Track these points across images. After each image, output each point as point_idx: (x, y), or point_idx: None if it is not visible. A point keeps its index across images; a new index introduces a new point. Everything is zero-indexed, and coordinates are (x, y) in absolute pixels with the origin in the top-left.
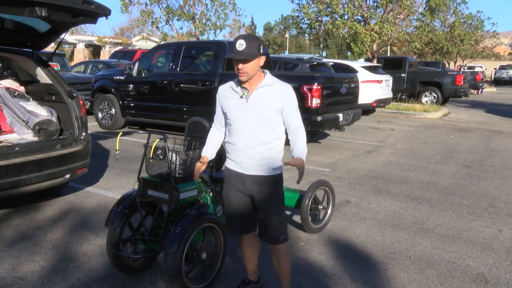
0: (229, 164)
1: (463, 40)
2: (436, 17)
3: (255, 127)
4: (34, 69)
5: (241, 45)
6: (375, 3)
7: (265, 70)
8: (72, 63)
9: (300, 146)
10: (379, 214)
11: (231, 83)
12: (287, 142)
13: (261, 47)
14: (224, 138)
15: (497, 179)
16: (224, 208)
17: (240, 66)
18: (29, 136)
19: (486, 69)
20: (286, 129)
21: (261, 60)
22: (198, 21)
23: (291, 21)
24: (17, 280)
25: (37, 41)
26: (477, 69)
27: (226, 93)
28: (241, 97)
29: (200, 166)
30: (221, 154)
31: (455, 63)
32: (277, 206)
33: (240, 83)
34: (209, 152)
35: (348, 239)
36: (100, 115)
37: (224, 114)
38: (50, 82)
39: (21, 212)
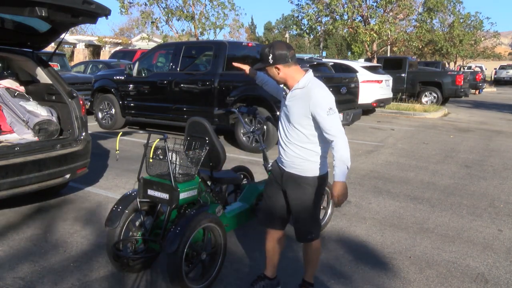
0: (277, 158)
1: (462, 40)
2: (435, 17)
3: (287, 127)
4: (34, 69)
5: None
6: (375, 3)
7: (308, 70)
8: (72, 63)
9: (336, 165)
10: (379, 214)
11: None
12: None
13: (270, 56)
14: None
15: (497, 179)
16: (263, 197)
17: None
18: (29, 136)
19: (486, 69)
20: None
21: (275, 69)
22: (197, 21)
23: (291, 21)
24: (17, 280)
25: (37, 41)
26: (476, 69)
27: (283, 90)
28: (284, 96)
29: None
30: (219, 155)
31: (455, 63)
32: (307, 208)
33: None
34: (261, 75)
35: (348, 239)
36: (100, 115)
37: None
38: (50, 82)
39: (21, 212)
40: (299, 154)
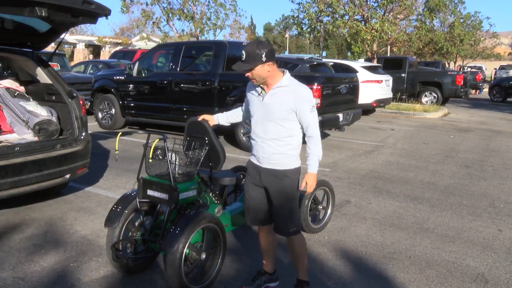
0: (251, 157)
1: (463, 40)
2: (435, 17)
3: (267, 124)
4: (34, 69)
5: (242, 55)
6: (376, 3)
7: (285, 71)
8: (72, 63)
9: (311, 158)
10: (379, 214)
11: None
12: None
13: (263, 54)
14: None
15: (497, 179)
16: (244, 199)
17: (247, 74)
18: (29, 136)
19: (486, 69)
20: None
21: (267, 67)
22: (198, 21)
23: (292, 21)
24: (17, 280)
25: (37, 41)
26: (472, 70)
27: (251, 89)
28: (259, 95)
29: (206, 117)
30: (219, 155)
31: (455, 63)
32: (288, 200)
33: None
34: (219, 115)
35: (348, 239)
36: (100, 115)
37: (247, 108)
38: (50, 82)
39: (21, 212)
40: (276, 149)
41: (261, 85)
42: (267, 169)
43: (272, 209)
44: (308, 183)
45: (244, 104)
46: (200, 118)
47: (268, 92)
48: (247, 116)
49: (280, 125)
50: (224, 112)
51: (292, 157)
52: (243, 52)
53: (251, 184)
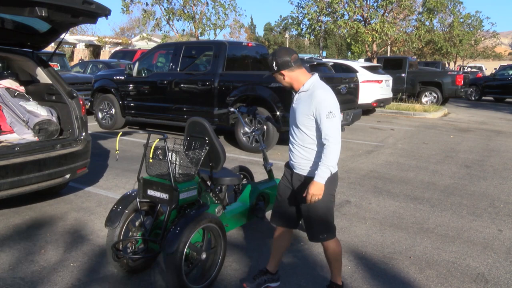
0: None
1: (462, 40)
2: (434, 17)
3: (293, 129)
4: (34, 69)
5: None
6: (376, 3)
7: (314, 74)
8: (72, 63)
9: (319, 167)
10: (379, 214)
11: None
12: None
13: (277, 63)
14: None
15: (497, 179)
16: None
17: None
18: (29, 136)
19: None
20: None
21: (279, 75)
22: (198, 21)
23: (291, 21)
24: (17, 280)
25: (37, 41)
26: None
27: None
28: (293, 100)
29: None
30: (219, 155)
31: (455, 63)
32: (316, 207)
33: None
34: None
35: (348, 239)
36: (100, 115)
37: None
38: (50, 82)
39: (21, 212)
40: (304, 155)
41: (293, 91)
42: (297, 174)
43: (303, 214)
44: (310, 192)
45: None
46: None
47: (295, 96)
48: None
49: (302, 131)
50: None
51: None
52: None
53: (284, 185)
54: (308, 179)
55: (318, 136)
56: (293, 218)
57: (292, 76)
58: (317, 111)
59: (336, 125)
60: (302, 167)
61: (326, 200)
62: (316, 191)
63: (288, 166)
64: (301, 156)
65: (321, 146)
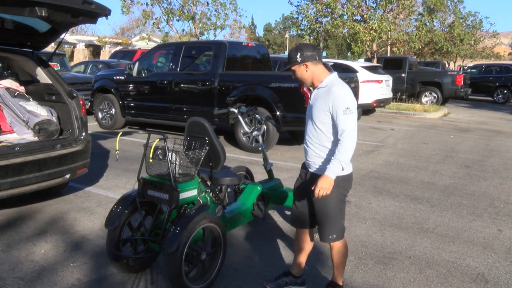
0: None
1: (463, 40)
2: (435, 18)
3: (309, 127)
4: (34, 69)
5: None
6: (375, 3)
7: (332, 72)
8: (72, 63)
9: (332, 162)
10: (379, 214)
11: None
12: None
13: (301, 54)
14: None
15: (497, 179)
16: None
17: (293, 76)
18: (29, 136)
19: None
20: None
21: (305, 67)
22: (198, 21)
23: (291, 22)
24: (17, 280)
25: (37, 41)
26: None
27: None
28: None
29: None
30: (219, 155)
31: (454, 63)
32: (329, 207)
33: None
34: None
35: (348, 239)
36: (100, 115)
37: None
38: (50, 82)
39: (21, 212)
40: (319, 154)
41: (311, 87)
42: (313, 174)
43: (316, 214)
44: (318, 185)
45: None
46: None
47: (313, 93)
48: None
49: (318, 127)
50: None
51: None
52: (288, 52)
53: (300, 186)
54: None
55: (334, 133)
56: (309, 219)
57: (314, 70)
58: (334, 107)
59: (353, 121)
60: (317, 166)
61: (338, 200)
62: (325, 184)
63: (304, 166)
64: (316, 155)
65: (335, 144)
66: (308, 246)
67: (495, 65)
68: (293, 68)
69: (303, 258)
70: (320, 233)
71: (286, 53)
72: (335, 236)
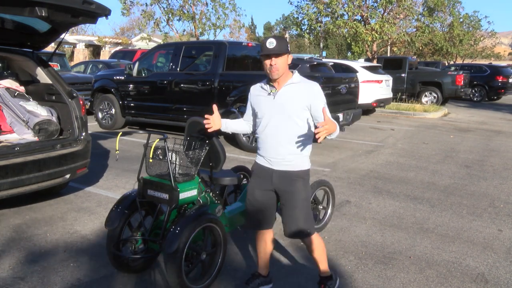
0: (258, 159)
1: (462, 40)
2: (436, 18)
3: (282, 123)
4: (34, 69)
5: (271, 43)
6: (375, 3)
7: (294, 70)
8: (72, 63)
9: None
10: (379, 214)
11: (261, 83)
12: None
13: (288, 45)
14: (256, 135)
15: (497, 179)
16: (246, 202)
17: (273, 62)
18: (29, 136)
19: None
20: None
21: (289, 58)
22: (198, 21)
23: (291, 21)
24: (17, 280)
25: (37, 41)
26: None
27: (256, 92)
28: (269, 94)
29: (209, 119)
30: (219, 155)
31: (454, 63)
32: (302, 201)
33: (270, 81)
34: (226, 121)
35: (348, 239)
36: (100, 115)
37: (255, 112)
38: (50, 82)
39: (21, 212)
40: (291, 150)
41: (270, 84)
42: (280, 171)
43: (284, 213)
44: (325, 127)
45: (246, 114)
46: (208, 119)
47: (280, 89)
48: (256, 122)
49: (295, 122)
50: (234, 120)
51: (305, 158)
52: (274, 40)
53: (259, 187)
54: (293, 174)
55: (308, 128)
56: (270, 219)
57: (287, 64)
58: (315, 101)
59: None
60: (287, 162)
61: (309, 195)
62: (333, 126)
63: (263, 167)
64: (287, 151)
65: (308, 138)
66: (272, 245)
67: (470, 65)
68: (283, 56)
69: (267, 258)
70: (294, 232)
71: None
72: (310, 230)
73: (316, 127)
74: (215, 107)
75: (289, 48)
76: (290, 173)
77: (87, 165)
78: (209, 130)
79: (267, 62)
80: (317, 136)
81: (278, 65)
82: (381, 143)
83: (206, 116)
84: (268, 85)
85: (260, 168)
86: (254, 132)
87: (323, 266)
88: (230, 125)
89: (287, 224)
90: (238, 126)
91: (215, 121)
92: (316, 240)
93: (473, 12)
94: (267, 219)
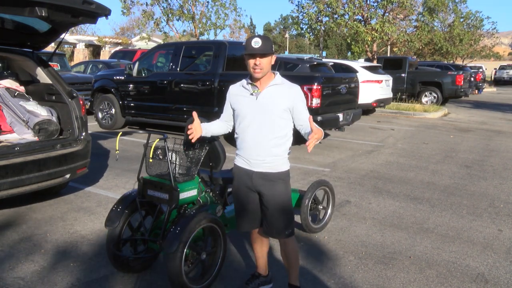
0: (237, 161)
1: (462, 40)
2: (436, 17)
3: (263, 124)
4: (34, 69)
5: (256, 42)
6: (376, 3)
7: (275, 71)
8: (72, 63)
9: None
10: (379, 214)
11: (242, 82)
12: (294, 142)
13: (272, 46)
14: (235, 135)
15: (497, 179)
16: (234, 204)
17: (258, 61)
18: (29, 136)
19: (486, 69)
20: (297, 128)
21: (273, 58)
22: (198, 21)
23: (291, 21)
24: (17, 280)
25: (37, 41)
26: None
27: (237, 91)
28: (252, 94)
29: (191, 129)
30: (219, 155)
31: (453, 63)
32: (283, 202)
33: (251, 81)
34: (206, 126)
35: (348, 239)
36: (100, 115)
37: (235, 112)
38: (50, 82)
39: (21, 212)
40: (271, 151)
41: (253, 84)
42: (260, 173)
43: (266, 213)
44: (315, 137)
45: (225, 114)
46: (190, 128)
47: (263, 90)
48: (236, 123)
49: (277, 124)
50: (213, 123)
51: (285, 159)
52: (259, 39)
53: (242, 189)
54: (274, 175)
55: (289, 129)
56: (259, 219)
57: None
58: (297, 103)
59: None
60: (267, 163)
61: (289, 196)
62: (320, 135)
63: (242, 169)
64: (268, 152)
65: (289, 139)
66: (267, 242)
67: (436, 64)
68: (267, 56)
69: (265, 256)
70: (273, 232)
71: (286, 53)
72: (290, 231)
73: (296, 129)
74: (195, 114)
75: (273, 49)
76: (270, 175)
77: (87, 165)
78: (192, 140)
79: (251, 61)
80: (308, 146)
81: (263, 65)
82: (381, 143)
83: (188, 126)
84: (250, 85)
85: (240, 170)
86: (233, 132)
87: (295, 273)
88: (210, 129)
89: (267, 224)
90: (218, 128)
91: (196, 129)
92: (292, 244)
93: (475, 11)
94: (255, 219)
